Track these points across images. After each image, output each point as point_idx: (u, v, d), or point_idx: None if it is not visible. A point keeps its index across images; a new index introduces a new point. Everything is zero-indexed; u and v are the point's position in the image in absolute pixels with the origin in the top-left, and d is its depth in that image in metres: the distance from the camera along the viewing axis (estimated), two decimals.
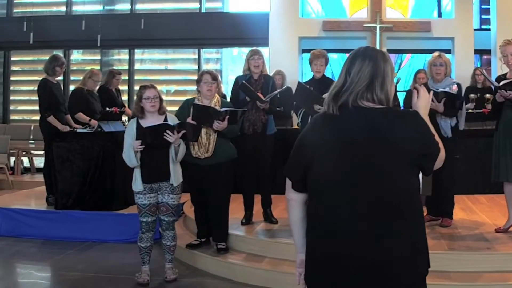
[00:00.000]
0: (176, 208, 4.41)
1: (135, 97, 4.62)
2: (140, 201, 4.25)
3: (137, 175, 4.24)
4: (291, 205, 2.09)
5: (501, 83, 4.48)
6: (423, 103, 2.10)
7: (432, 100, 4.65)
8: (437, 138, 2.00)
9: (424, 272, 1.96)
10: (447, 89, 4.76)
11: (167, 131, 4.16)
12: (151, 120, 4.27)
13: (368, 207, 1.87)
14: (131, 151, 4.18)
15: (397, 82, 5.71)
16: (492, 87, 4.73)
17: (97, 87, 6.89)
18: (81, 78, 6.93)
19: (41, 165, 8.17)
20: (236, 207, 5.20)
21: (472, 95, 6.60)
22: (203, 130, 4.55)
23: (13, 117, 11.07)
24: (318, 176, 1.96)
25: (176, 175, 4.29)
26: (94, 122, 6.43)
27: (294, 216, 2.09)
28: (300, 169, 2.01)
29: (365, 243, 1.87)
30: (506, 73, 4.67)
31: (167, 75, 10.97)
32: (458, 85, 4.91)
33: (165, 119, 4.32)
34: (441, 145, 2.00)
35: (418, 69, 7.27)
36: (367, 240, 1.87)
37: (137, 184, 4.23)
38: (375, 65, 1.97)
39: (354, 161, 1.90)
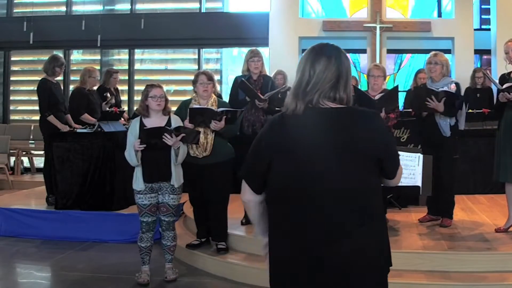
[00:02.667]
0: (176, 208, 4.41)
1: (135, 97, 4.61)
2: (140, 201, 4.25)
3: (138, 174, 4.24)
4: (249, 206, 2.09)
5: (504, 86, 4.50)
6: None
7: (432, 100, 4.66)
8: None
9: (385, 271, 1.96)
10: (446, 88, 4.76)
11: (166, 134, 4.16)
12: (155, 119, 4.27)
13: (331, 208, 1.86)
14: (132, 150, 4.18)
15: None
16: (496, 88, 4.74)
17: (97, 85, 6.89)
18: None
19: (41, 165, 8.16)
20: (236, 207, 5.18)
21: None
22: (201, 130, 4.54)
23: (13, 117, 11.08)
24: (280, 178, 1.94)
25: (177, 176, 4.29)
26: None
27: (255, 215, 2.09)
28: (260, 173, 1.98)
29: (329, 243, 1.86)
30: (510, 72, 4.68)
31: (167, 75, 10.97)
32: (457, 84, 4.90)
33: (169, 119, 4.31)
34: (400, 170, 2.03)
35: (419, 69, 7.26)
36: (331, 240, 1.86)
37: (138, 183, 4.23)
38: (340, 64, 1.95)
39: (316, 162, 1.88)
